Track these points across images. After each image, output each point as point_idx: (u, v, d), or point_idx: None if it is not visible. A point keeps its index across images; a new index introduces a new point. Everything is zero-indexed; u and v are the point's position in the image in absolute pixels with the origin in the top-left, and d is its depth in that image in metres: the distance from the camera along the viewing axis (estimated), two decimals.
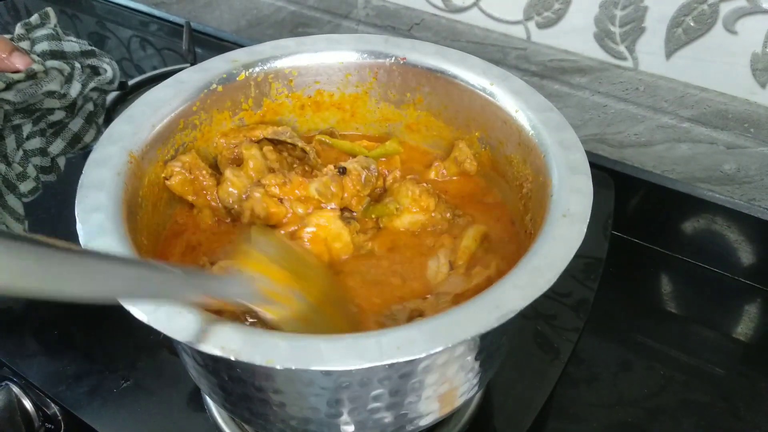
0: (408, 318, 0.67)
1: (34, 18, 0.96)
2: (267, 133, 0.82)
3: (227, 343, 0.50)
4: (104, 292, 0.47)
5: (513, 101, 0.76)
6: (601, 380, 0.89)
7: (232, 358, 0.49)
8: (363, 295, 0.70)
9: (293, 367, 0.48)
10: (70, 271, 0.42)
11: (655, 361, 0.91)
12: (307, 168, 0.82)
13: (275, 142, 0.83)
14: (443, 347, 0.49)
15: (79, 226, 0.60)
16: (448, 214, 0.76)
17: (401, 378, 0.56)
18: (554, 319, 0.91)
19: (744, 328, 0.98)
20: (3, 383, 0.85)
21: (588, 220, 0.60)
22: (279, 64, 0.84)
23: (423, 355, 0.49)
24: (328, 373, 0.54)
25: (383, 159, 0.85)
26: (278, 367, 0.48)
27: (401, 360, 0.49)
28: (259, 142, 0.82)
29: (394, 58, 0.84)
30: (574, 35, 1.08)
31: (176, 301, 0.53)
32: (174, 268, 0.54)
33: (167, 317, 0.52)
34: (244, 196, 0.74)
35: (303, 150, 0.84)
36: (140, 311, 0.53)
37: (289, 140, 0.83)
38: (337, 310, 0.67)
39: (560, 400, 0.86)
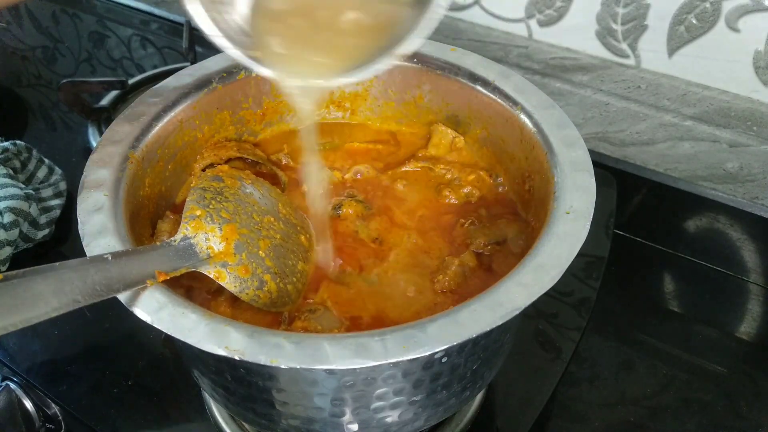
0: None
1: None
2: (233, 153, 0.82)
3: (232, 342, 0.50)
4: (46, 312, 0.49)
5: (515, 98, 0.75)
6: (603, 379, 0.89)
7: (237, 358, 0.49)
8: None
9: (298, 367, 0.48)
10: None
11: (658, 360, 0.91)
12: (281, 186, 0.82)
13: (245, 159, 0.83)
14: (448, 345, 0.49)
15: (80, 227, 0.60)
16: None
17: (405, 377, 0.56)
18: (556, 318, 0.91)
19: (746, 326, 0.97)
20: (3, 383, 0.85)
21: (591, 217, 0.60)
22: None
23: (428, 353, 0.49)
24: (332, 373, 0.54)
25: None
26: (283, 366, 0.48)
27: (406, 359, 0.49)
28: (230, 161, 0.82)
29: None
30: (576, 33, 1.08)
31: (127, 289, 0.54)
32: (109, 259, 0.54)
33: (171, 317, 0.52)
34: None
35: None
36: (143, 312, 0.53)
37: (252, 158, 0.83)
38: (283, 262, 0.68)
39: (562, 399, 0.86)
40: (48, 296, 0.49)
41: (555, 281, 0.54)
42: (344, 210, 0.78)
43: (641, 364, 0.91)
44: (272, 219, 0.70)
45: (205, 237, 0.62)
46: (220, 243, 0.63)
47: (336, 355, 0.49)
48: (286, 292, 0.66)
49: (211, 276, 0.62)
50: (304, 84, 0.65)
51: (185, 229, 0.62)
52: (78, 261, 0.53)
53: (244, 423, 0.80)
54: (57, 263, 0.51)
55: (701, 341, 0.95)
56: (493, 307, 0.52)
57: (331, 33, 0.64)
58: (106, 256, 0.54)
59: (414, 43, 0.61)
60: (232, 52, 0.62)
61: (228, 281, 0.62)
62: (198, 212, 0.64)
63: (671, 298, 1.02)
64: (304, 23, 0.65)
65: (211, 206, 0.65)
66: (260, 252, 0.65)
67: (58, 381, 0.85)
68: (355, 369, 0.51)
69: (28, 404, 0.84)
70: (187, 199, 0.65)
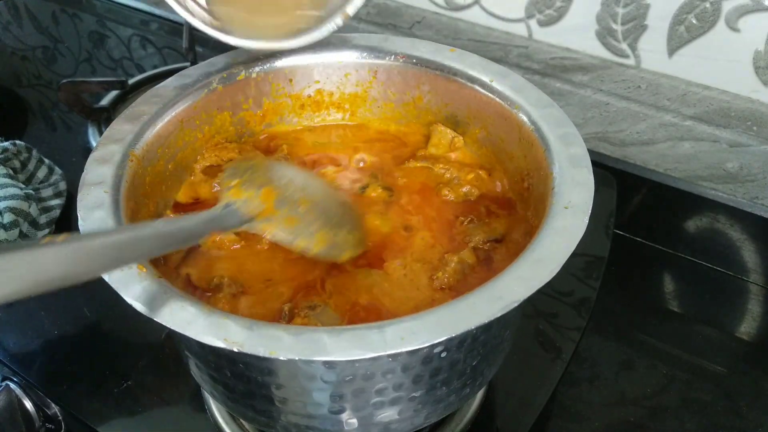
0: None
1: None
2: (234, 154, 0.82)
3: (231, 335, 0.50)
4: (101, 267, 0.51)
5: (513, 98, 0.76)
6: (604, 379, 0.89)
7: (236, 350, 0.49)
8: None
9: (296, 358, 0.48)
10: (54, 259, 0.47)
11: (658, 360, 0.91)
12: None
13: None
14: (446, 337, 0.49)
15: (80, 223, 0.60)
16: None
17: (404, 371, 0.56)
18: (556, 317, 0.91)
19: (746, 327, 0.97)
20: (3, 383, 0.85)
21: (590, 211, 0.60)
22: (279, 63, 0.84)
23: (426, 345, 0.49)
24: (331, 366, 0.54)
25: None
26: (282, 358, 0.48)
27: (405, 350, 0.49)
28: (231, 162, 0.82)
29: (393, 57, 0.84)
30: (576, 33, 1.08)
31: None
32: (161, 222, 0.61)
33: (170, 311, 0.52)
34: None
35: None
36: (142, 305, 0.53)
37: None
38: (328, 216, 0.70)
39: (562, 399, 0.86)
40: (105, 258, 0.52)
41: (554, 274, 0.54)
42: (369, 192, 0.80)
43: (641, 364, 0.91)
44: (307, 185, 0.73)
45: (245, 201, 0.65)
46: (260, 204, 0.65)
47: (335, 347, 0.49)
48: (336, 243, 0.69)
49: (258, 231, 0.65)
50: (260, 47, 0.72)
51: (226, 199, 0.65)
52: (134, 225, 0.62)
53: (244, 422, 0.80)
54: (121, 227, 0.59)
55: (701, 341, 0.95)
56: (491, 300, 0.52)
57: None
58: (157, 223, 0.61)
59: (354, 6, 0.68)
60: (195, 22, 0.70)
61: (276, 233, 0.65)
62: (234, 182, 0.67)
63: (671, 298, 1.02)
64: None
65: (245, 177, 0.68)
66: (301, 208, 0.68)
67: (58, 381, 0.84)
68: (354, 361, 0.52)
69: (28, 404, 0.84)
70: (223, 177, 0.70)
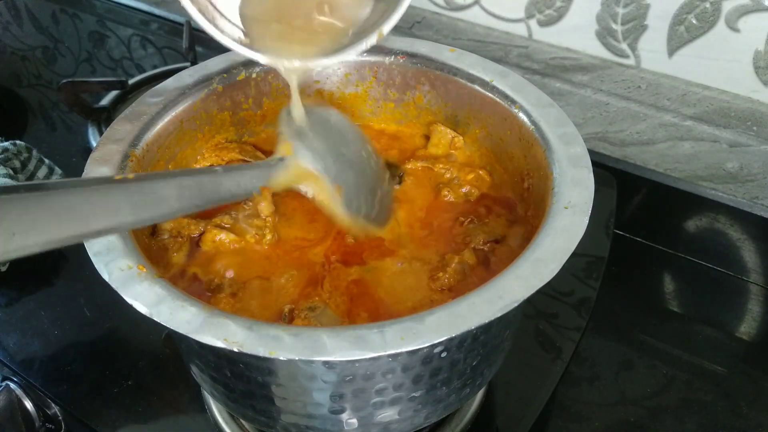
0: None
1: None
2: (234, 155, 0.82)
3: (230, 335, 0.50)
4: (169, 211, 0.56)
5: (513, 97, 0.76)
6: (603, 379, 0.88)
7: (236, 350, 0.49)
8: None
9: (296, 359, 0.48)
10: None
11: (658, 360, 0.91)
12: None
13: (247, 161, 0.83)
14: (446, 337, 0.49)
15: None
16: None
17: (404, 371, 0.56)
18: (556, 318, 0.91)
19: (746, 326, 0.97)
20: (3, 383, 0.85)
21: (590, 211, 0.59)
22: None
23: (426, 345, 0.49)
24: (330, 366, 0.54)
25: None
26: (281, 358, 0.48)
27: (404, 350, 0.49)
28: (231, 163, 0.82)
29: (393, 57, 0.84)
30: (576, 33, 1.08)
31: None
32: (219, 167, 0.64)
33: (170, 310, 0.52)
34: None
35: None
36: (142, 305, 0.53)
37: (254, 159, 0.83)
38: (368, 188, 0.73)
39: (562, 399, 0.86)
40: (171, 199, 0.55)
41: (554, 274, 0.54)
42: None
43: (641, 364, 0.91)
44: (357, 153, 0.76)
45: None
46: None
47: (334, 347, 0.49)
48: (372, 218, 0.72)
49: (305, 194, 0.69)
50: (292, 66, 0.69)
51: (280, 153, 0.68)
52: (192, 170, 0.67)
53: (243, 422, 0.80)
54: (177, 170, 0.63)
55: (701, 341, 0.95)
56: (491, 300, 0.52)
57: (311, 20, 0.69)
58: (216, 168, 0.62)
59: (389, 26, 0.67)
60: (228, 42, 0.67)
61: (322, 199, 0.68)
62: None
63: (671, 298, 1.02)
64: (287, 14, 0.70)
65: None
66: (348, 176, 0.70)
67: (58, 381, 0.85)
68: (353, 361, 0.52)
69: (28, 404, 0.84)
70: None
